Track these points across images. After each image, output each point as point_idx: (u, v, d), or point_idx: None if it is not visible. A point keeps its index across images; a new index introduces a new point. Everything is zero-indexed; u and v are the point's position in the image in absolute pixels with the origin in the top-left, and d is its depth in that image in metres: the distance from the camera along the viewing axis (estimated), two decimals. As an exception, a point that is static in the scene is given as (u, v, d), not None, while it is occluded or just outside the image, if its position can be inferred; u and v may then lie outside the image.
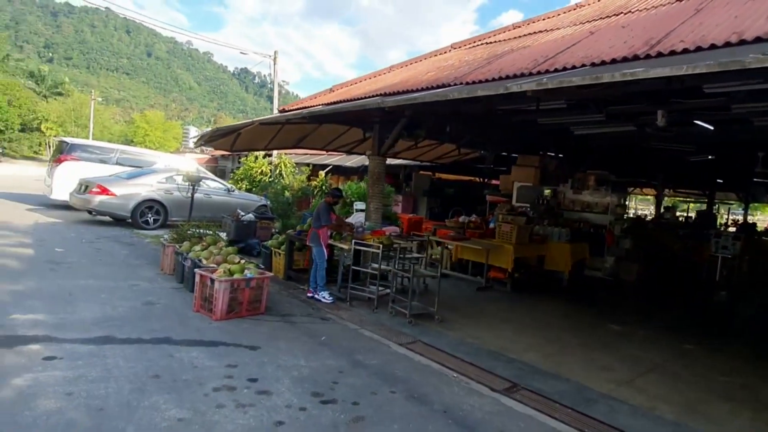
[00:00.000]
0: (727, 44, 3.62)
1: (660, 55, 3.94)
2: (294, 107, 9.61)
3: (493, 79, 5.10)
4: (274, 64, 21.05)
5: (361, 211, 9.27)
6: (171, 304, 5.70)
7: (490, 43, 8.02)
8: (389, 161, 11.74)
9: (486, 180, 17.25)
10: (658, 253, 11.06)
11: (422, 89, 6.10)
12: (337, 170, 20.04)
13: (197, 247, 6.60)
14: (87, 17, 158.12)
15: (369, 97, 6.89)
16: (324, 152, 16.20)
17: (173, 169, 12.27)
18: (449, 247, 9.34)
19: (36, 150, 50.45)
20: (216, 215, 10.87)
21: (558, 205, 11.31)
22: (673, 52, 3.90)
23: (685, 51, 3.82)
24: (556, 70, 4.56)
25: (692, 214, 20.13)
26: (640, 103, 5.85)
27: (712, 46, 3.67)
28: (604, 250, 10.55)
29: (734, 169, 12.76)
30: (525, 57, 5.62)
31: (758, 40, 3.55)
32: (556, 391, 4.23)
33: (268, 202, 13.17)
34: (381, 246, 6.42)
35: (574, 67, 4.46)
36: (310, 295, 6.65)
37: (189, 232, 7.30)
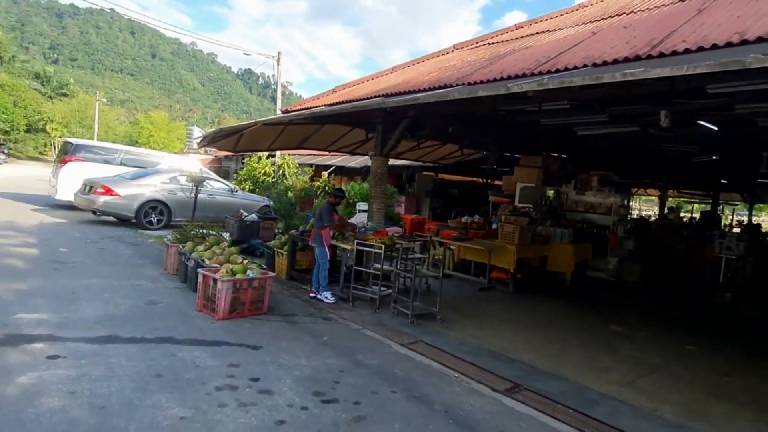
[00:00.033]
0: (729, 44, 3.62)
1: (662, 55, 3.94)
2: (297, 108, 9.64)
3: (495, 80, 5.11)
4: (278, 65, 21.13)
5: (364, 211, 9.29)
6: (174, 304, 5.73)
7: (493, 43, 8.02)
8: (392, 162, 11.76)
9: (489, 181, 17.25)
10: (662, 254, 11.02)
11: (424, 90, 6.12)
12: (341, 171, 20.08)
13: (200, 248, 6.64)
14: (92, 19, 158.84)
15: (371, 97, 6.90)
16: (327, 153, 16.23)
17: (177, 169, 12.33)
18: (452, 247, 9.34)
19: (41, 151, 50.72)
20: (219, 216, 10.92)
21: (561, 206, 11.30)
22: (674, 53, 3.90)
23: (687, 51, 3.82)
24: (557, 71, 4.56)
25: (696, 215, 20.03)
26: (644, 103, 5.85)
27: (714, 46, 3.67)
28: (607, 251, 10.52)
29: (738, 170, 12.71)
30: (527, 57, 5.62)
31: (760, 40, 3.54)
32: (558, 392, 4.22)
33: (271, 203, 13.21)
34: (383, 246, 6.44)
35: (575, 68, 4.46)
36: (312, 295, 6.67)
37: (192, 232, 7.34)
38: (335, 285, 6.97)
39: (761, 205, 26.73)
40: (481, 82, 5.30)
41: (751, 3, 4.44)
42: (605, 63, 4.29)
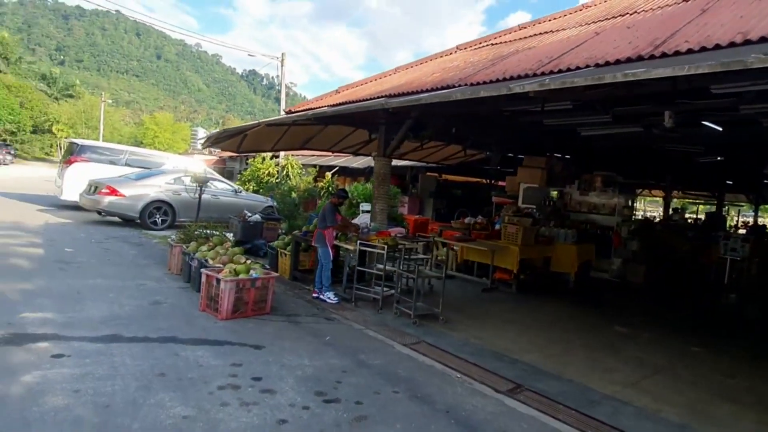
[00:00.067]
0: (732, 44, 3.60)
1: (664, 55, 3.93)
2: (300, 108, 9.67)
3: (498, 80, 5.11)
4: (282, 66, 21.18)
5: (367, 212, 9.30)
6: (177, 304, 5.76)
7: (496, 44, 8.02)
8: (396, 163, 11.77)
9: (492, 181, 17.23)
10: (666, 255, 10.98)
11: (427, 90, 6.12)
12: (344, 171, 20.11)
13: (204, 248, 6.67)
14: (98, 20, 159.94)
15: (374, 98, 6.91)
16: (330, 154, 16.26)
17: (181, 170, 12.39)
18: (455, 248, 9.34)
19: (47, 151, 51.07)
20: (223, 216, 10.96)
21: (564, 207, 11.27)
22: (677, 53, 3.89)
23: (690, 51, 3.81)
24: (560, 71, 4.56)
25: (702, 216, 19.93)
26: (647, 104, 5.83)
27: (717, 47, 3.66)
28: (611, 252, 10.49)
29: (744, 171, 12.64)
30: (530, 58, 5.62)
31: (763, 40, 3.53)
32: (560, 392, 4.22)
33: (275, 203, 13.24)
34: (386, 247, 6.45)
35: (578, 68, 4.46)
36: (315, 295, 6.68)
37: (196, 232, 7.37)
38: (338, 285, 6.98)
39: (767, 206, 26.52)
40: (484, 82, 5.30)
41: (755, 3, 4.42)
42: (607, 63, 4.29)
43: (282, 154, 18.84)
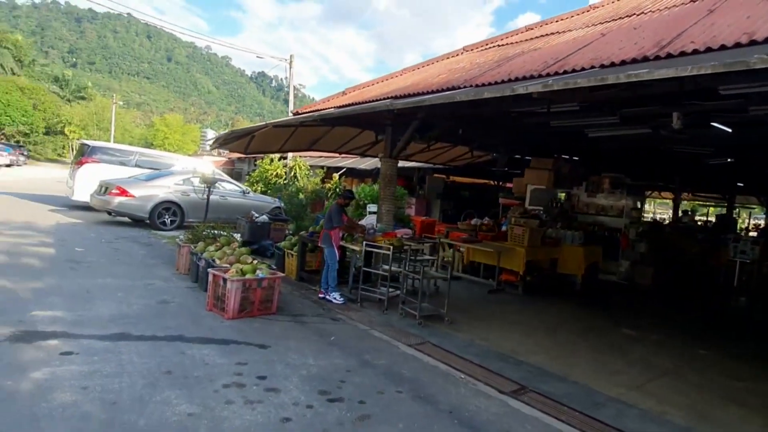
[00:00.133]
0: (738, 45, 3.58)
1: (669, 56, 3.91)
2: (307, 110, 9.72)
3: (503, 81, 5.12)
4: (290, 67, 21.29)
5: (374, 213, 9.33)
6: (185, 303, 5.83)
7: (502, 45, 8.02)
8: (403, 164, 11.78)
9: (500, 183, 17.18)
10: (675, 258, 10.89)
11: (433, 91, 6.14)
12: (351, 173, 20.17)
13: (211, 248, 6.73)
14: (110, 23, 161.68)
15: (380, 99, 6.94)
16: (338, 155, 16.32)
17: (190, 171, 12.49)
18: (461, 249, 9.34)
19: (60, 153, 51.65)
20: (231, 217, 11.05)
21: (572, 208, 11.22)
22: (683, 53, 3.87)
23: (695, 52, 3.79)
24: (565, 72, 4.55)
25: (712, 218, 19.72)
26: (655, 105, 5.80)
27: (722, 47, 3.64)
28: (618, 254, 10.42)
29: (754, 172, 12.48)
30: (535, 59, 5.62)
31: (769, 40, 3.51)
32: (564, 394, 4.21)
33: (282, 204, 13.33)
34: (392, 248, 6.47)
35: (583, 69, 4.45)
36: (321, 295, 6.72)
37: (204, 233, 7.43)
38: (344, 286, 7.01)
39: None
40: (489, 84, 5.30)
41: (762, 3, 4.38)
42: (613, 64, 4.28)
43: (290, 155, 18.93)
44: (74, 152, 17.67)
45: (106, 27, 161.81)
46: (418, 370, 4.47)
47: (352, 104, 7.93)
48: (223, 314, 5.38)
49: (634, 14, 6.32)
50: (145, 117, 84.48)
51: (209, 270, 5.75)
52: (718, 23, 4.36)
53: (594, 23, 6.79)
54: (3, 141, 37.26)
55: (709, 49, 3.71)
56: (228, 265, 5.88)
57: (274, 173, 18.87)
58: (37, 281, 5.95)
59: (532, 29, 8.32)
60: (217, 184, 11.43)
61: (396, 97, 6.69)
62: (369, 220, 9.08)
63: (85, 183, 12.68)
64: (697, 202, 24.92)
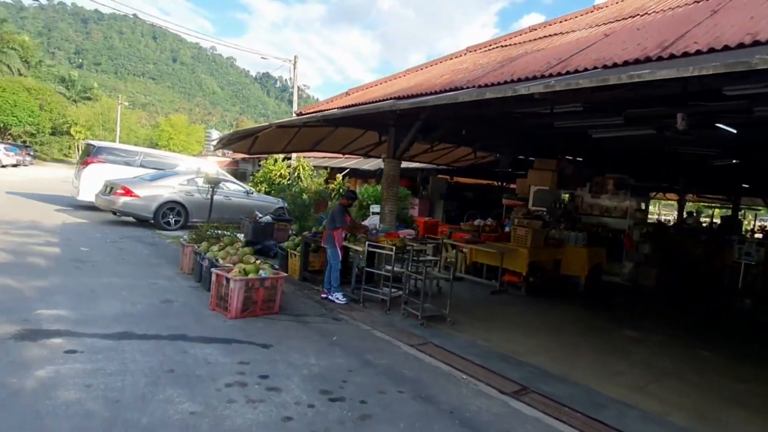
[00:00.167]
0: (741, 45, 3.57)
1: (672, 57, 3.91)
2: (311, 110, 9.75)
3: (505, 82, 5.12)
4: (294, 68, 21.36)
5: (377, 213, 9.34)
6: (188, 302, 5.86)
7: (505, 46, 8.01)
8: (406, 164, 11.80)
9: (504, 184, 17.16)
10: (679, 259, 10.84)
11: (436, 92, 6.14)
12: (355, 173, 20.19)
13: (215, 248, 6.76)
14: (115, 24, 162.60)
15: (383, 100, 6.95)
16: (341, 155, 16.35)
17: (194, 171, 12.55)
18: (464, 250, 9.33)
19: (66, 153, 52.00)
20: (235, 217, 11.09)
21: (576, 209, 11.19)
22: (685, 54, 3.86)
23: (698, 52, 3.78)
24: (567, 73, 4.55)
25: (717, 220, 19.61)
26: (659, 106, 5.78)
27: (725, 48, 3.63)
28: (622, 256, 10.39)
29: (760, 174, 12.41)
30: (538, 60, 5.62)
31: (773, 41, 3.49)
32: (566, 395, 4.21)
33: (286, 205, 13.36)
34: (394, 248, 6.47)
35: (585, 70, 4.45)
36: (324, 295, 6.73)
37: (208, 233, 7.47)
38: (347, 286, 7.02)
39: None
40: (492, 84, 5.30)
41: (766, 4, 4.37)
42: (615, 65, 4.27)
43: (294, 155, 18.98)
44: (80, 152, 17.76)
45: (112, 28, 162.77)
46: (419, 371, 4.48)
47: (356, 105, 7.94)
48: (226, 314, 5.41)
49: (638, 15, 6.31)
50: (151, 117, 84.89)
51: (212, 270, 5.78)
52: (722, 24, 4.35)
53: (598, 24, 6.78)
54: (10, 141, 37.54)
55: (712, 50, 3.70)
56: (231, 265, 5.91)
57: (278, 174, 18.91)
58: (43, 280, 5.99)
59: (535, 30, 8.31)
60: (221, 185, 11.46)
61: (399, 98, 6.70)
62: (372, 221, 9.09)
63: (90, 183, 12.75)
64: (702, 204, 24.80)
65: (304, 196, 14.98)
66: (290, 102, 22.31)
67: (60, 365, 3.72)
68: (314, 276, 7.67)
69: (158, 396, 3.42)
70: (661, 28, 5.12)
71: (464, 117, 7.70)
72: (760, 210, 23.74)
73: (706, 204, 24.54)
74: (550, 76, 4.70)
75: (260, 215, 10.33)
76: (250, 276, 5.52)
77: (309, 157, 20.20)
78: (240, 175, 26.32)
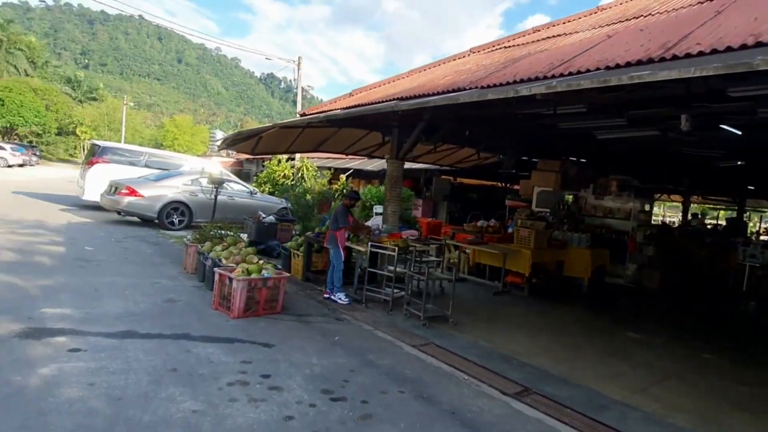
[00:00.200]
0: (743, 46, 3.56)
1: (675, 58, 3.89)
2: (314, 111, 9.77)
3: (508, 83, 5.12)
4: (298, 69, 21.41)
5: (380, 214, 9.34)
6: (191, 302, 5.88)
7: (509, 47, 8.01)
8: (410, 165, 11.79)
9: (507, 185, 17.12)
10: (683, 261, 10.79)
11: (438, 93, 6.15)
12: (358, 174, 20.21)
13: (218, 248, 6.79)
14: (121, 25, 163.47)
15: (386, 101, 6.97)
16: (345, 156, 16.37)
17: (198, 171, 12.60)
18: (467, 251, 9.33)
19: (71, 153, 52.29)
20: (238, 217, 11.13)
21: (579, 211, 11.17)
22: (688, 55, 3.85)
23: (701, 54, 3.77)
24: (570, 74, 4.54)
25: (723, 222, 19.51)
26: (663, 107, 5.77)
27: (728, 49, 3.62)
28: (626, 257, 10.36)
29: (765, 175, 12.33)
30: (541, 61, 5.61)
31: (776, 42, 3.48)
32: (568, 396, 4.20)
33: (289, 205, 13.39)
34: (397, 249, 6.48)
35: (588, 71, 4.44)
36: (326, 296, 6.75)
37: (211, 232, 7.50)
38: (349, 286, 7.04)
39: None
40: (494, 85, 5.31)
41: (770, 5, 4.36)
42: (618, 66, 4.27)
43: (297, 156, 19.02)
44: (85, 152, 17.87)
45: (118, 29, 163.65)
46: (421, 371, 4.49)
47: (359, 105, 7.96)
48: (228, 313, 5.43)
49: (642, 16, 6.30)
50: (156, 118, 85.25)
51: (215, 269, 5.81)
52: (725, 25, 4.33)
53: (601, 25, 6.76)
54: (16, 141, 37.81)
55: (714, 51, 3.69)
56: (234, 265, 5.93)
57: (282, 174, 18.97)
58: (47, 279, 6.04)
59: (539, 31, 8.30)
60: (224, 185, 11.50)
61: (401, 99, 6.71)
62: (375, 221, 9.10)
63: (95, 183, 12.83)
64: (707, 205, 24.67)
65: (308, 197, 15.02)
66: (294, 103, 22.36)
67: (64, 363, 3.75)
68: (317, 276, 7.69)
69: (161, 394, 3.44)
70: (665, 29, 5.11)
71: (467, 118, 7.71)
72: (765, 212, 23.57)
73: (712, 206, 24.41)
74: (553, 77, 4.70)
75: (264, 215, 10.37)
76: (253, 276, 5.55)
77: (313, 158, 20.25)
78: (244, 176, 26.41)
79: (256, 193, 13.64)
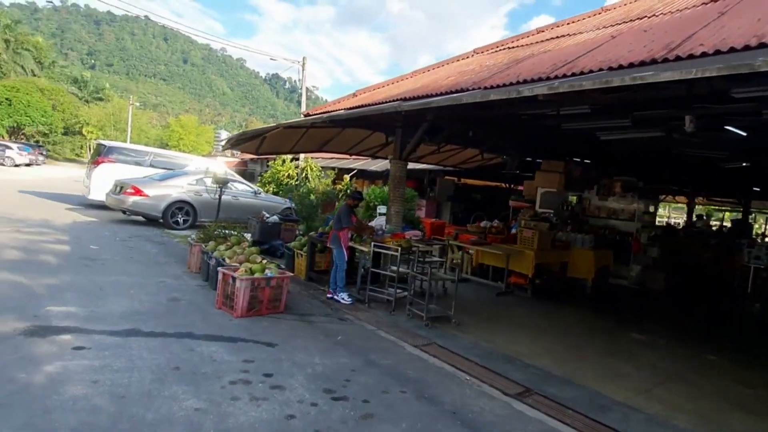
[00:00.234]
0: (747, 47, 3.55)
1: (678, 58, 3.89)
2: (318, 111, 9.80)
3: (511, 84, 5.12)
4: (303, 69, 21.46)
5: (384, 214, 9.36)
6: (195, 301, 5.92)
7: (512, 47, 8.01)
8: (414, 166, 11.81)
9: (511, 186, 17.10)
10: (688, 262, 10.75)
11: (442, 94, 6.16)
12: (362, 174, 20.25)
13: (222, 247, 6.82)
14: (127, 26, 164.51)
15: (389, 101, 6.98)
16: (349, 156, 16.41)
17: (203, 171, 12.65)
18: (470, 251, 9.33)
19: (78, 152, 52.65)
20: (242, 217, 11.17)
21: (583, 212, 11.13)
22: (691, 56, 3.84)
23: (704, 54, 3.76)
24: (573, 74, 4.54)
25: (728, 223, 19.38)
26: (667, 108, 5.75)
27: (731, 50, 3.61)
28: (630, 258, 10.32)
29: (771, 177, 12.26)
30: (544, 61, 5.61)
31: (779, 43, 3.47)
32: (570, 397, 4.20)
33: (293, 205, 13.43)
34: (400, 249, 6.49)
35: (591, 71, 4.44)
36: (329, 296, 6.77)
37: (215, 232, 7.53)
38: (352, 286, 7.06)
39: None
40: (497, 86, 5.31)
41: (775, 5, 4.34)
42: (621, 67, 4.26)
43: (302, 156, 19.07)
44: (91, 152, 17.98)
45: (124, 29, 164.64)
46: (423, 371, 4.49)
47: (362, 106, 7.98)
48: (232, 312, 5.46)
49: (645, 17, 6.28)
50: (161, 118, 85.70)
51: (219, 269, 5.84)
52: (729, 26, 4.32)
53: (605, 25, 6.75)
54: (23, 141, 38.09)
55: (717, 52, 3.68)
56: (237, 264, 5.96)
57: (286, 174, 19.02)
58: (53, 277, 6.08)
59: (543, 31, 8.29)
60: (229, 185, 11.57)
61: (404, 99, 6.72)
62: (379, 222, 9.11)
63: (101, 182, 12.90)
64: (712, 207, 24.55)
65: (312, 197, 15.07)
66: (299, 103, 22.40)
67: (68, 361, 3.78)
68: (320, 276, 7.71)
69: (164, 392, 3.46)
70: (668, 29, 5.10)
71: (471, 118, 7.71)
72: (771, 213, 23.43)
73: (717, 207, 24.28)
74: (556, 77, 4.70)
75: (267, 215, 10.40)
76: (256, 275, 5.57)
77: (317, 158, 20.29)
78: (248, 176, 26.49)
79: (260, 193, 13.68)
